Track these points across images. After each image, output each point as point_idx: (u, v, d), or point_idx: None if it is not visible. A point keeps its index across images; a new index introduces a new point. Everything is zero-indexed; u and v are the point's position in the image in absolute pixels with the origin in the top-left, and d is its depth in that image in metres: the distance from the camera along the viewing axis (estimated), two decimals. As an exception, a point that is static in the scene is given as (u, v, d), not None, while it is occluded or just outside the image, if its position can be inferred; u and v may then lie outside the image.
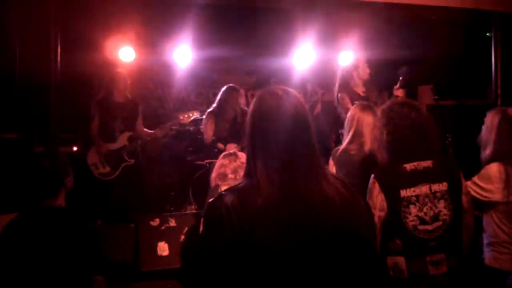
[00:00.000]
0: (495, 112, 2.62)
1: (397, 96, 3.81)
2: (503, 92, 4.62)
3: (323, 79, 6.17)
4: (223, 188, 2.29)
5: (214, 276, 1.27)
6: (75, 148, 5.12)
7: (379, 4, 4.33)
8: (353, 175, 2.80)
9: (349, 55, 4.95)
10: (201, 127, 5.23)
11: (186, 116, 4.91)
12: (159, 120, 5.62)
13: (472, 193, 2.39)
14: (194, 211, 4.42)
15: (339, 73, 4.54)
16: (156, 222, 3.50)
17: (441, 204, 2.10)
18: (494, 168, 2.46)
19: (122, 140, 4.70)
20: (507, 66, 4.64)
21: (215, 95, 5.30)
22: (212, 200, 1.34)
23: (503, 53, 4.63)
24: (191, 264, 1.47)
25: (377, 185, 2.13)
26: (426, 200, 2.10)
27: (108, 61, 5.08)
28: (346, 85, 4.26)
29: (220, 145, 4.91)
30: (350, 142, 2.98)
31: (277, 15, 4.95)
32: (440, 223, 2.09)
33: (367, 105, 3.07)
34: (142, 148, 5.05)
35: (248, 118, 1.40)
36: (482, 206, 2.51)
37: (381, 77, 4.69)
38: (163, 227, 3.51)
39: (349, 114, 3.06)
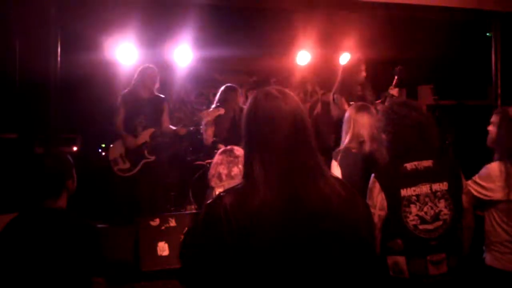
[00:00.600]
0: (497, 112, 2.65)
1: (393, 95, 3.81)
2: (503, 92, 4.62)
3: (323, 79, 6.18)
4: (218, 190, 2.30)
5: (212, 277, 1.27)
6: (75, 148, 5.11)
7: (379, 4, 4.33)
8: (356, 176, 2.77)
9: (349, 55, 4.95)
10: (201, 127, 5.22)
11: (210, 112, 4.76)
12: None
13: (473, 192, 2.40)
14: (194, 211, 4.42)
15: (339, 73, 4.54)
16: (156, 222, 3.50)
17: (442, 204, 2.10)
18: (494, 167, 2.46)
19: (145, 136, 4.65)
20: (507, 66, 4.64)
21: (215, 95, 5.29)
22: (210, 201, 1.34)
23: (503, 53, 4.63)
24: (189, 264, 1.47)
25: (377, 184, 2.13)
26: (427, 199, 2.10)
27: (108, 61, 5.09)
28: (342, 85, 4.25)
29: (220, 146, 4.91)
30: (350, 142, 2.98)
31: (277, 15, 4.96)
32: (441, 222, 2.09)
33: (363, 105, 3.06)
34: (164, 145, 4.91)
35: (243, 119, 1.39)
36: (483, 205, 2.51)
37: (381, 77, 4.68)
38: (163, 227, 3.50)
39: (345, 115, 3.04)
